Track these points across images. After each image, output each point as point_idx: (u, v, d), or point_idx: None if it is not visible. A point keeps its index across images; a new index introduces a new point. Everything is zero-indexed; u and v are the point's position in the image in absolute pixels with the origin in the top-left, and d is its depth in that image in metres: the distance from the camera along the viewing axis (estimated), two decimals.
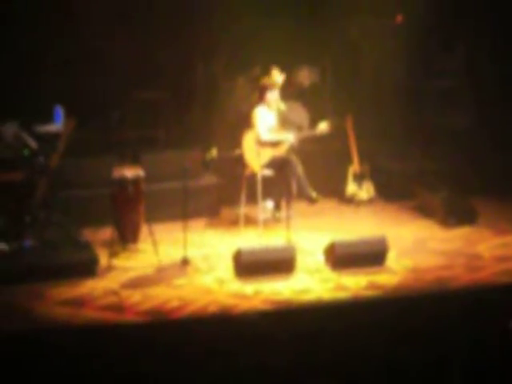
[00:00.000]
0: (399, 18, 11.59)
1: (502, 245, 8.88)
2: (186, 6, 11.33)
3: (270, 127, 9.69)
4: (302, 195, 9.60)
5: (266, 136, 9.57)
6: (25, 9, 10.81)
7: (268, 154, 9.57)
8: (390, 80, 11.41)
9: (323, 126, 9.68)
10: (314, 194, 9.67)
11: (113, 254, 8.61)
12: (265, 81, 9.96)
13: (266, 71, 10.33)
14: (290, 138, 9.61)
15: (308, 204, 9.68)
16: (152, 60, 11.45)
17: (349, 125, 10.62)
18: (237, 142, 9.78)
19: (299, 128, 9.96)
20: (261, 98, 9.81)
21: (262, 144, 9.53)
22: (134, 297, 7.53)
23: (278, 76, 10.03)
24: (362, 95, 11.34)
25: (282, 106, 9.77)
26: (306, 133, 9.90)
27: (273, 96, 9.73)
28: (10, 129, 9.06)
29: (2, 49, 10.50)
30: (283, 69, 10.40)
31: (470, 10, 11.49)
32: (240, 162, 9.71)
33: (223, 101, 11.34)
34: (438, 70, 11.79)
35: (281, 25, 11.02)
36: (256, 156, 9.46)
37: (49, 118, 9.65)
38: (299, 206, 9.62)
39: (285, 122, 9.77)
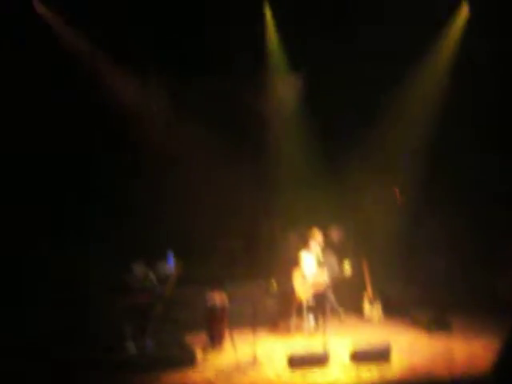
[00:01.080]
0: (399, 195, 11.28)
1: (470, 347, 8.86)
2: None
3: (311, 270, 9.89)
4: (335, 314, 10.01)
5: (309, 277, 9.86)
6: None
7: (311, 289, 9.84)
8: (393, 234, 11.12)
9: (347, 270, 9.80)
10: (342, 314, 10.12)
11: (206, 352, 8.83)
12: (309, 232, 10.27)
13: (309, 228, 10.48)
14: (325, 278, 9.88)
15: (338, 320, 10.07)
16: (230, 220, 11.47)
17: (364, 265, 10.75)
18: (289, 278, 10.01)
19: (331, 270, 10.07)
20: (306, 246, 10.15)
21: (305, 282, 9.80)
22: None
23: (317, 233, 10.27)
24: (372, 246, 11.13)
25: (320, 254, 10.06)
26: (336, 275, 9.98)
27: (314, 246, 10.11)
28: (139, 267, 9.30)
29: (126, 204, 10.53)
30: (321, 227, 10.63)
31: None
32: (292, 292, 9.99)
33: (280, 248, 11.24)
34: (424, 227, 11.51)
35: (317, 195, 10.95)
36: (303, 290, 9.81)
37: (164, 258, 9.72)
38: (332, 322, 9.81)
39: (321, 265, 9.97)
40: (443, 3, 10.47)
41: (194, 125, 11.13)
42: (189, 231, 10.93)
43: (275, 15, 10.58)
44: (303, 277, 9.85)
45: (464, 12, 10.85)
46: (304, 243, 10.23)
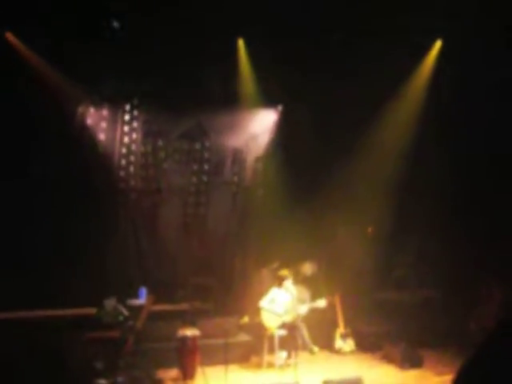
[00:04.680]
0: (370, 230, 11.62)
1: (441, 381, 8.87)
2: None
3: (283, 305, 9.86)
4: (306, 348, 9.89)
5: (280, 312, 9.77)
6: None
7: (281, 320, 9.76)
8: (366, 268, 11.14)
9: (321, 302, 9.94)
10: (314, 348, 10.02)
11: None
12: (282, 273, 10.14)
13: (282, 265, 10.45)
14: (303, 309, 9.89)
15: (310, 354, 9.88)
16: (204, 259, 11.36)
17: (337, 300, 10.67)
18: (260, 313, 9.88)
19: (304, 303, 10.05)
20: (279, 283, 10.09)
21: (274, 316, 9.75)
22: None
23: (288, 273, 10.13)
24: (345, 282, 10.99)
25: (293, 289, 10.03)
26: (310, 306, 9.98)
27: (287, 283, 10.05)
28: (111, 302, 9.26)
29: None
30: (293, 262, 10.68)
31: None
32: (262, 326, 9.86)
33: (252, 283, 11.13)
34: (395, 263, 11.73)
35: (291, 230, 10.65)
36: (273, 324, 9.73)
37: (135, 294, 9.88)
38: (304, 356, 9.78)
39: (294, 300, 9.91)
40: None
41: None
42: (161, 266, 10.95)
43: (249, 50, 10.58)
44: (273, 311, 9.77)
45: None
46: (277, 279, 10.19)
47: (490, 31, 9.54)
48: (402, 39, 10.00)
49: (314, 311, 10.09)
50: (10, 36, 9.71)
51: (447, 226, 11.33)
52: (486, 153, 10.81)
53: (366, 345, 10.69)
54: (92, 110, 10.82)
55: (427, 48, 10.94)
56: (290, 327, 9.79)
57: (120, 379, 8.52)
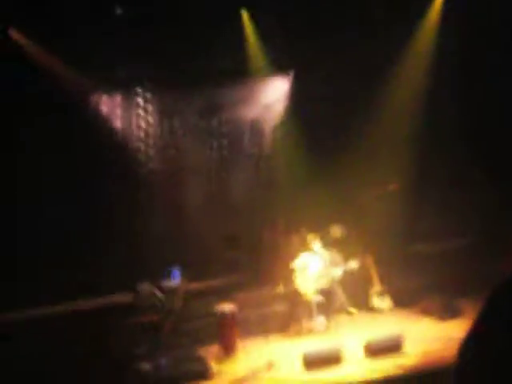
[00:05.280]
0: (394, 186, 11.25)
1: None
2: None
3: (317, 270, 9.87)
4: (344, 310, 9.94)
5: (314, 277, 9.81)
6: None
7: (316, 285, 9.80)
8: (393, 225, 10.95)
9: (354, 264, 9.94)
10: (352, 310, 10.05)
11: (220, 363, 8.71)
12: (310, 238, 10.17)
13: (311, 231, 10.42)
14: (337, 273, 9.89)
15: (348, 316, 9.95)
16: (232, 228, 11.29)
17: (369, 259, 10.67)
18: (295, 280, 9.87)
19: (337, 266, 10.01)
20: (309, 249, 10.07)
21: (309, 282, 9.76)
22: None
23: (314, 237, 10.18)
24: (374, 242, 10.83)
25: (324, 253, 10.04)
26: (344, 269, 9.95)
27: (317, 247, 10.07)
28: (146, 286, 9.35)
29: None
30: (321, 227, 10.65)
31: None
32: (298, 293, 9.85)
33: (283, 253, 10.68)
34: (421, 215, 11.54)
35: (316, 194, 10.67)
36: (309, 290, 9.75)
37: (169, 274, 9.69)
38: (342, 318, 9.87)
39: (327, 263, 9.93)
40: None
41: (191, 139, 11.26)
42: (191, 244, 10.89)
43: (253, 16, 10.49)
44: (307, 277, 9.75)
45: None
46: (307, 245, 10.17)
47: None
48: None
49: (348, 273, 10.07)
50: (13, 32, 9.67)
51: (468, 174, 11.26)
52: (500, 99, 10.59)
53: (403, 300, 10.61)
54: (105, 97, 10.77)
55: None
56: (326, 291, 9.79)
57: (163, 361, 8.55)
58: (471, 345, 1.63)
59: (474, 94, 10.92)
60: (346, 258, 10.18)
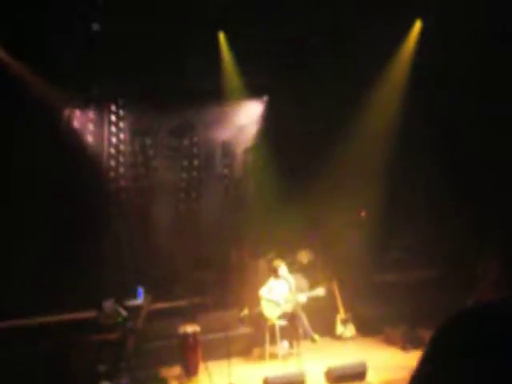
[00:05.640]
0: (363, 214, 11.48)
1: None
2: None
3: (283, 293, 9.78)
4: (307, 337, 9.80)
5: (279, 302, 9.74)
6: None
7: (280, 310, 9.74)
8: (361, 253, 11.05)
9: (320, 291, 9.88)
10: (315, 336, 9.96)
11: None
12: (276, 263, 10.04)
13: (278, 255, 10.39)
14: (302, 298, 9.79)
15: (311, 342, 9.82)
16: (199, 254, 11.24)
17: (335, 286, 10.63)
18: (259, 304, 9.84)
19: (302, 291, 9.97)
20: (275, 274, 9.98)
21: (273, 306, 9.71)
22: None
23: (281, 263, 10.03)
24: (341, 269, 10.89)
25: (290, 278, 9.93)
26: (309, 295, 9.89)
27: (283, 272, 9.93)
28: (109, 304, 9.16)
29: None
30: (288, 252, 10.68)
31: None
32: (263, 317, 9.81)
33: (250, 276, 10.98)
34: (391, 246, 11.47)
35: (285, 219, 10.62)
36: (272, 314, 9.69)
37: (134, 293, 9.65)
38: (306, 344, 9.74)
39: (292, 289, 9.78)
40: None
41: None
42: (157, 264, 10.83)
43: (230, 40, 10.46)
44: (271, 302, 9.71)
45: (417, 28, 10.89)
46: (272, 270, 10.09)
47: None
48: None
49: (313, 299, 10.04)
50: None
51: (441, 207, 11.27)
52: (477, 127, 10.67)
53: (367, 329, 10.66)
54: (78, 112, 10.71)
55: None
56: (291, 316, 9.74)
57: (124, 381, 8.48)
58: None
59: (450, 121, 10.97)
60: (312, 284, 10.18)
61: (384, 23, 9.87)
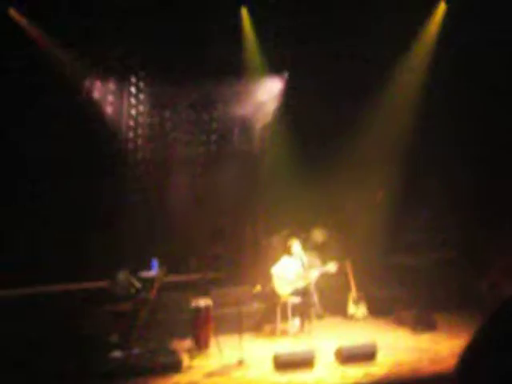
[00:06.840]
0: (380, 194, 11.34)
1: (456, 345, 8.41)
2: None
3: (295, 273, 9.78)
4: (316, 314, 9.79)
5: (291, 279, 9.70)
6: None
7: (293, 287, 9.70)
8: (375, 233, 10.92)
9: (332, 266, 9.77)
10: (322, 314, 9.96)
11: (192, 357, 8.63)
12: (291, 240, 10.05)
13: (293, 233, 10.39)
14: (314, 274, 9.75)
15: (318, 319, 9.83)
16: (214, 225, 11.28)
17: (348, 265, 10.62)
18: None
19: (316, 270, 9.88)
20: (289, 251, 9.97)
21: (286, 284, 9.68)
22: None
23: (295, 240, 10.04)
24: (355, 250, 10.93)
25: (303, 255, 9.93)
26: (321, 270, 9.82)
27: (297, 249, 9.95)
28: (123, 275, 9.31)
29: None
30: (303, 230, 10.69)
31: None
32: (275, 293, 9.81)
33: (264, 251, 11.02)
34: (406, 228, 11.37)
35: (300, 197, 10.64)
36: (285, 291, 9.67)
37: (148, 265, 9.73)
38: (317, 322, 9.74)
39: (305, 266, 9.80)
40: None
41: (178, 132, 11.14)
42: (172, 237, 10.79)
43: (253, 15, 10.37)
44: (284, 279, 9.64)
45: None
46: (286, 247, 10.04)
47: None
48: None
49: (326, 277, 9.99)
50: (13, 12, 9.55)
51: (457, 191, 11.16)
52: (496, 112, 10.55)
53: (379, 309, 10.60)
54: (98, 83, 10.65)
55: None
56: (303, 294, 9.68)
57: (135, 351, 8.49)
58: (473, 351, 1.54)
59: (472, 111, 10.83)
60: (325, 263, 10.08)
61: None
